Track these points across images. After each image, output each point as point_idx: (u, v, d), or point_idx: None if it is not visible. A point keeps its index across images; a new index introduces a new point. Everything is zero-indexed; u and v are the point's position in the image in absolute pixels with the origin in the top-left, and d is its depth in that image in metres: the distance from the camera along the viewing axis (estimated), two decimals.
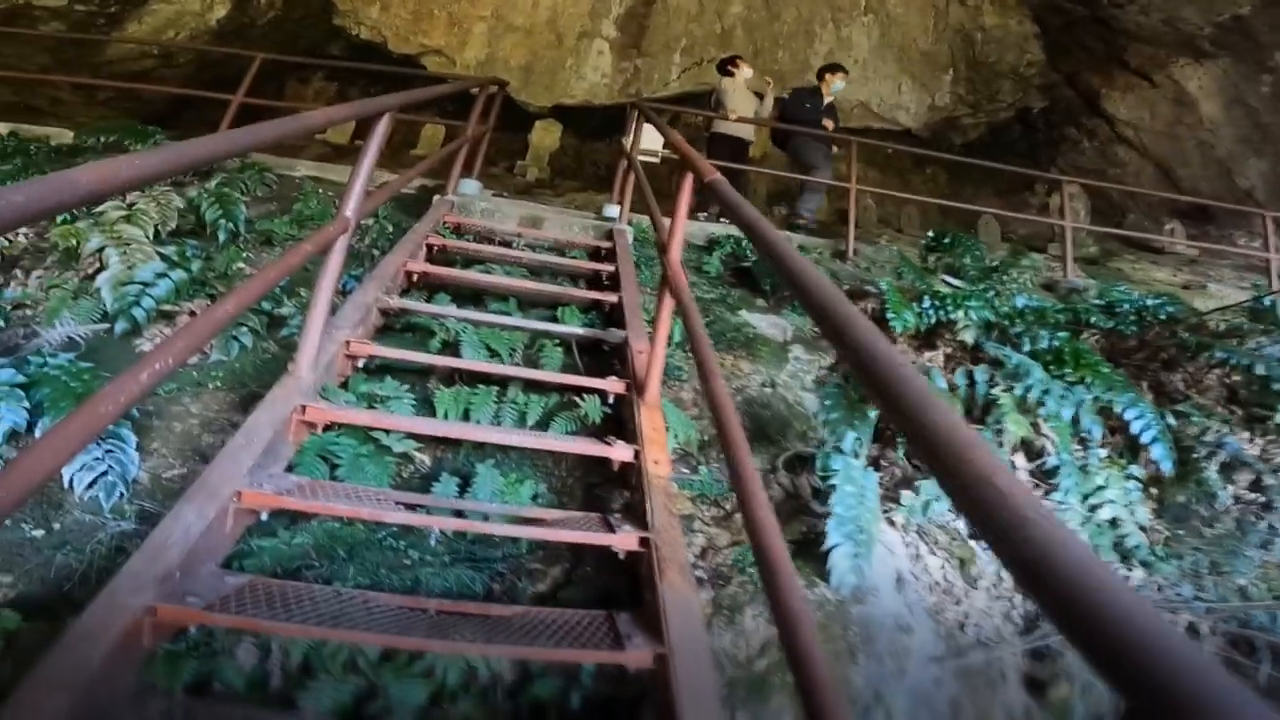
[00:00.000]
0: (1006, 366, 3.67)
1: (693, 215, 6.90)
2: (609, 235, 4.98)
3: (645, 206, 4.23)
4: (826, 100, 7.43)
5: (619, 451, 2.76)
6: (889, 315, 4.16)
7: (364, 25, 11.11)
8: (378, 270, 3.62)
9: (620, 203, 5.38)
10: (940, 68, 10.76)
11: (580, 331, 3.49)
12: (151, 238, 4.00)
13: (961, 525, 3.29)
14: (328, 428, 2.74)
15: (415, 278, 3.88)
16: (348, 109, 2.68)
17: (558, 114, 11.21)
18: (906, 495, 3.19)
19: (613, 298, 3.92)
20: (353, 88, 11.09)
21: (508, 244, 4.68)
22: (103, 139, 5.26)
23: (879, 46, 10.96)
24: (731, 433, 1.60)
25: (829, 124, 7.30)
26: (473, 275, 3.91)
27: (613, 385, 3.08)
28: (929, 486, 3.17)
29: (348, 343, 2.97)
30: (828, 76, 7.48)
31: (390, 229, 4.75)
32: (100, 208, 4.05)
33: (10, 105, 8.94)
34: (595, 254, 4.83)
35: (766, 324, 4.73)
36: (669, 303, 2.87)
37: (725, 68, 7.45)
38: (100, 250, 3.81)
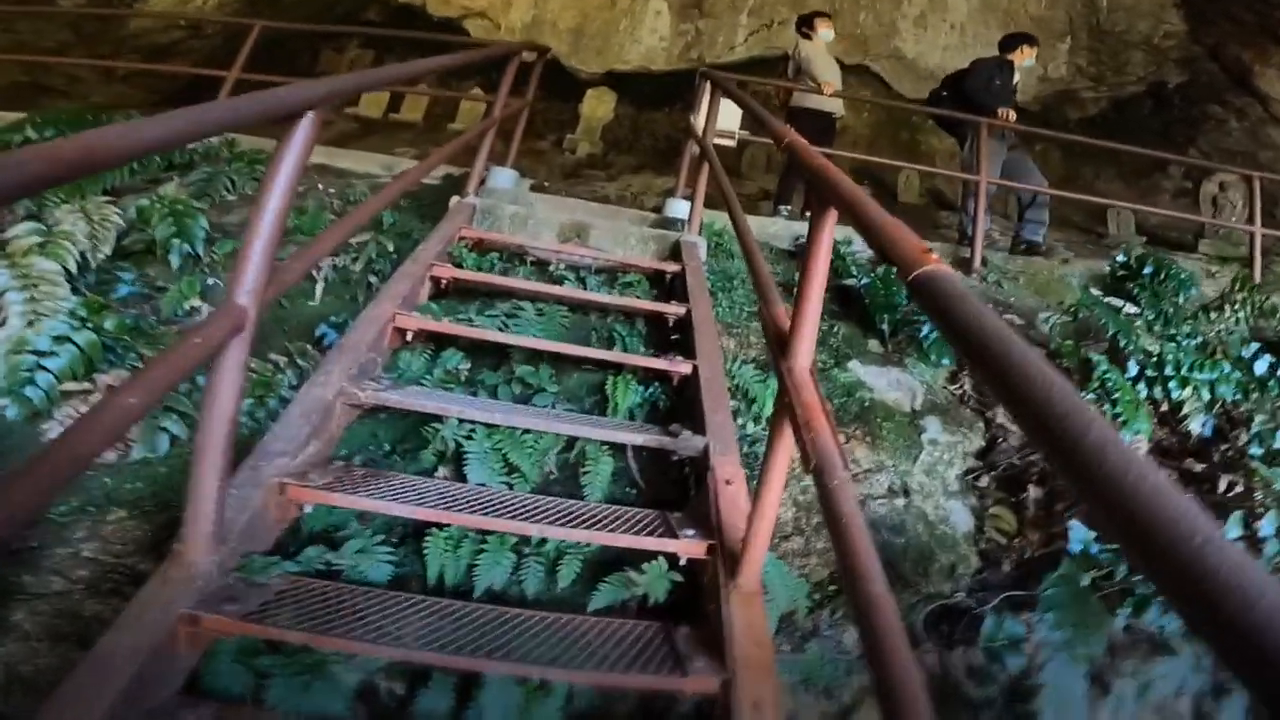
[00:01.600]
0: None
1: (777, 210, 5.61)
2: (675, 251, 3.77)
3: (727, 210, 3.03)
4: (1015, 80, 5.78)
5: (695, 683, 1.61)
6: (1117, 415, 2.84)
7: None
8: (349, 337, 2.49)
9: (691, 198, 4.11)
10: (1056, 35, 9.10)
11: (639, 439, 2.32)
12: (76, 269, 2.96)
13: None
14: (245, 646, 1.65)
15: (410, 334, 2.75)
16: (251, 103, 1.52)
17: (611, 82, 9.91)
18: None
19: (685, 367, 2.73)
20: (390, 55, 9.96)
21: (544, 264, 3.53)
22: (49, 130, 4.23)
23: (980, 9, 9.33)
24: None
25: (1007, 113, 5.48)
26: (488, 333, 2.75)
27: (687, 547, 1.91)
28: None
29: (282, 486, 1.86)
30: (1024, 48, 5.75)
31: (392, 248, 3.61)
32: (11, 232, 3.01)
33: (20, 87, 8.06)
34: (659, 280, 3.63)
35: (886, 382, 3.49)
36: (787, 440, 1.67)
37: (803, 29, 6.00)
38: (1, 294, 2.79)
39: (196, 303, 3.25)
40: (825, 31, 5.94)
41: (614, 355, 2.76)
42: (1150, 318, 4.71)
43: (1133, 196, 8.92)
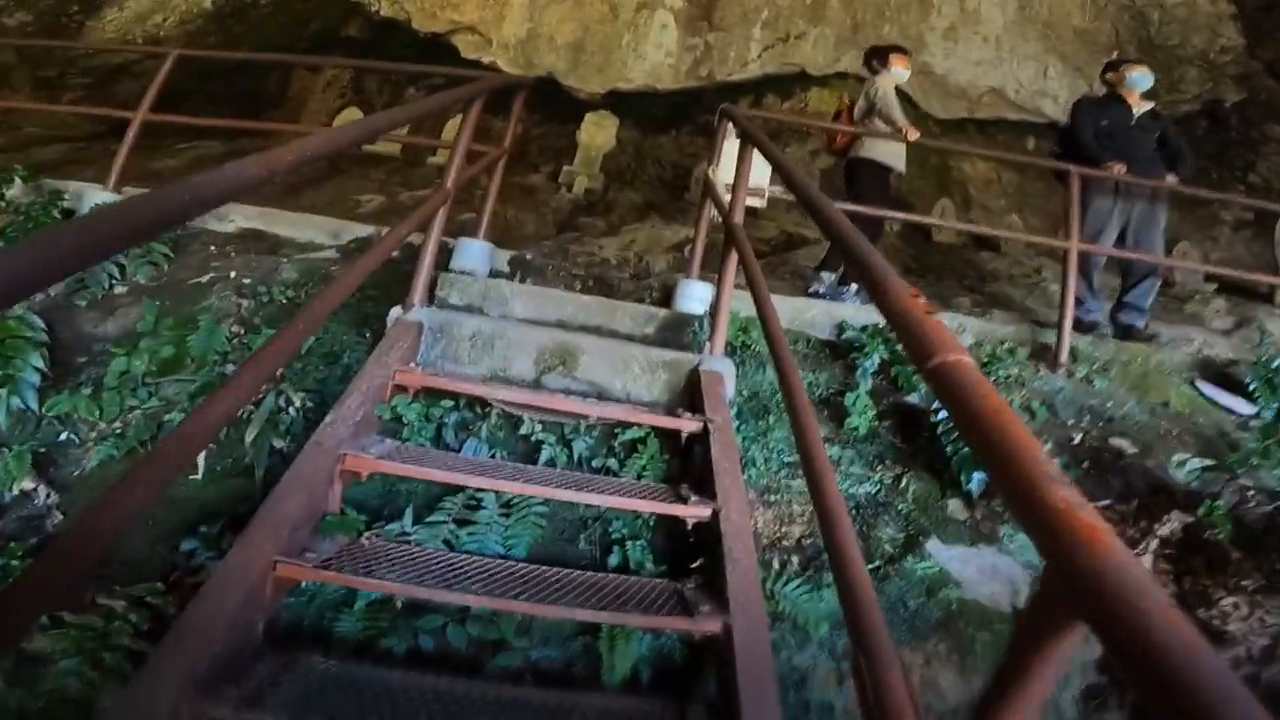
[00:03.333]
0: None
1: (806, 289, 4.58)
2: (693, 385, 2.79)
3: (755, 304, 2.07)
4: (1138, 112, 4.49)
5: None
6: None
7: (384, 0, 8.94)
8: (202, 607, 1.51)
9: (714, 307, 3.05)
10: (1101, 49, 8.07)
11: None
12: None
13: None
14: None
15: (296, 583, 1.78)
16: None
17: (613, 102, 8.90)
18: None
19: (713, 625, 1.76)
20: (369, 76, 8.96)
21: (514, 421, 2.55)
22: None
23: (1017, 21, 8.29)
24: None
25: (1117, 168, 4.22)
26: (416, 590, 1.77)
27: None
28: None
29: None
30: (1128, 69, 4.50)
31: (301, 400, 2.61)
32: None
33: None
34: (673, 443, 2.64)
35: (977, 569, 2.52)
36: None
37: (873, 62, 4.83)
38: None
39: (29, 484, 2.29)
40: (901, 70, 4.70)
41: (607, 616, 1.77)
42: (1270, 419, 3.75)
43: (1190, 228, 7.91)
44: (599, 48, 9.19)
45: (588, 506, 2.25)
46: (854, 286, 4.42)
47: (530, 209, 5.64)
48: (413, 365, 2.64)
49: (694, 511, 2.28)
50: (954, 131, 8.53)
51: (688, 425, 2.56)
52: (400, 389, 2.50)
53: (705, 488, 2.40)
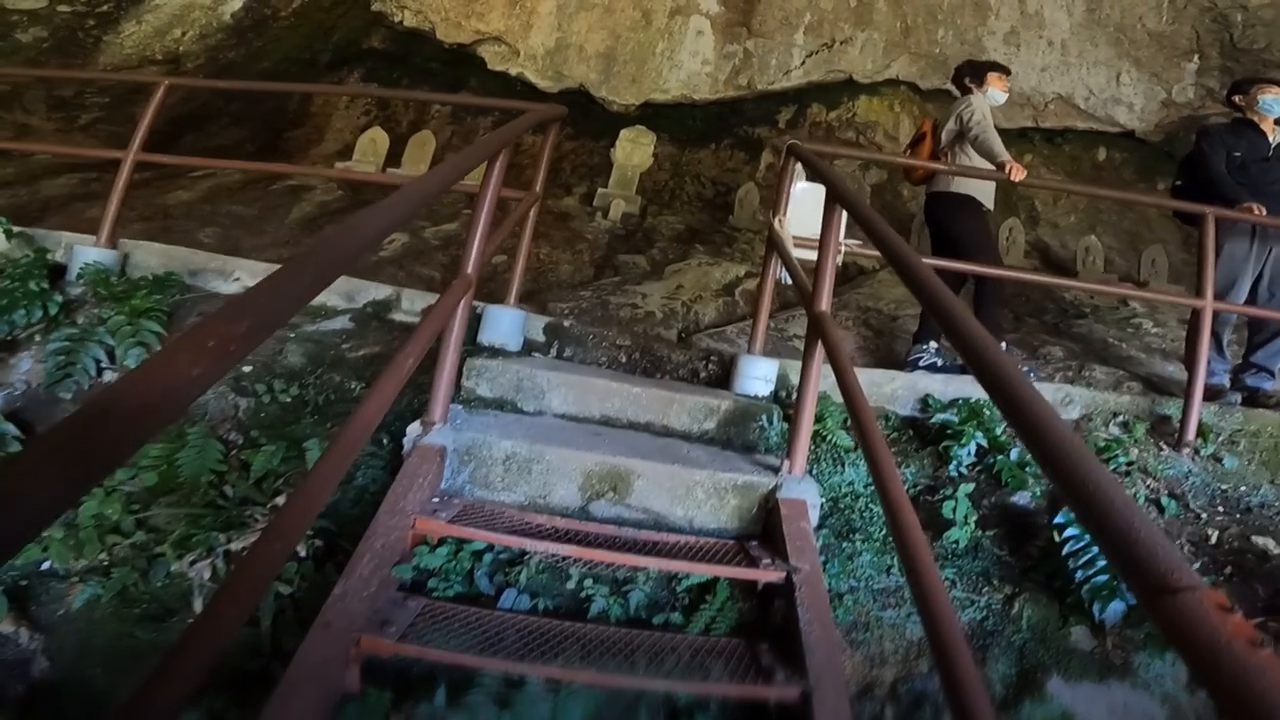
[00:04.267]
0: None
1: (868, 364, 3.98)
2: (768, 512, 2.30)
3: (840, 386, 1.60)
4: (1275, 140, 3.78)
5: None
6: None
7: (408, 10, 8.50)
8: None
9: (794, 416, 2.53)
10: (1180, 53, 7.38)
11: None
12: None
13: None
14: None
15: None
16: None
17: (648, 116, 8.39)
18: None
19: None
20: (395, 88, 8.53)
21: (558, 565, 2.07)
22: None
23: (1085, 24, 7.62)
24: None
25: (1257, 208, 3.57)
26: None
27: None
28: None
29: None
30: (1261, 90, 3.81)
31: (309, 537, 2.16)
32: None
33: None
34: (747, 584, 2.15)
35: (1105, 707, 2.13)
36: None
37: (966, 79, 4.08)
38: None
39: (9, 626, 1.88)
40: (998, 92, 4.01)
41: None
42: None
43: None
44: (631, 57, 8.69)
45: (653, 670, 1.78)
46: (933, 345, 3.86)
47: (565, 244, 5.16)
48: (436, 504, 2.17)
49: (778, 693, 1.80)
50: (1017, 141, 7.87)
51: (765, 576, 2.07)
52: (422, 538, 2.03)
53: (788, 650, 1.92)
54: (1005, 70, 4.13)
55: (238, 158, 7.26)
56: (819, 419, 2.92)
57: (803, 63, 8.49)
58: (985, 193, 3.95)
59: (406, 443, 2.31)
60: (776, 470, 2.47)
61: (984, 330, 1.36)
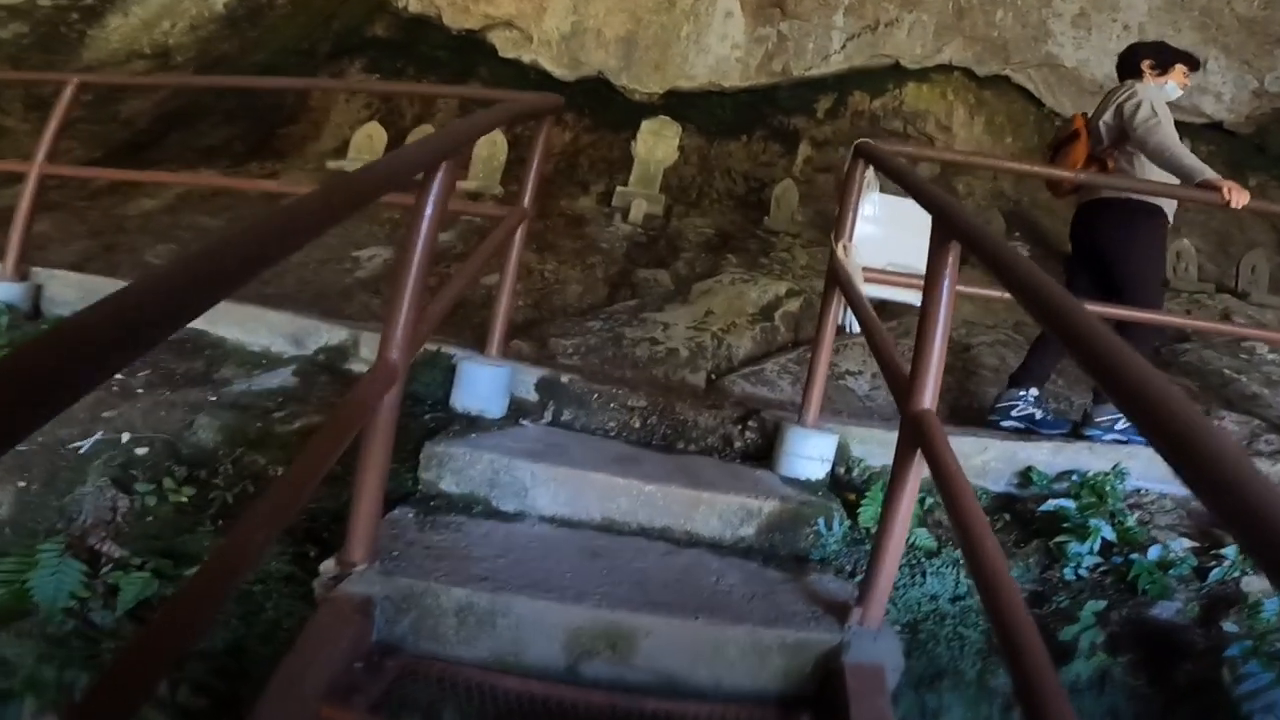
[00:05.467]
0: None
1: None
2: (827, 682, 1.57)
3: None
4: None
5: None
6: None
7: None
8: None
9: (887, 520, 1.88)
10: (1274, 40, 6.47)
11: None
12: None
13: None
14: None
15: None
16: None
17: (673, 106, 7.61)
18: None
19: None
20: (399, 79, 7.84)
21: None
22: None
23: (1166, 7, 6.69)
24: None
25: None
26: None
27: None
28: None
29: None
30: None
31: (188, 696, 1.49)
32: None
33: None
34: None
35: None
36: None
37: (1142, 63, 3.10)
38: None
39: None
40: (1176, 86, 3.09)
41: None
42: None
43: None
44: (654, 41, 7.90)
45: None
46: (1033, 393, 3.02)
47: (576, 257, 4.43)
48: (359, 673, 1.48)
49: None
50: None
51: None
52: None
53: None
54: (1195, 64, 3.20)
55: (226, 157, 6.65)
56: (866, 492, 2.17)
57: (843, 46, 7.64)
58: (1170, 201, 3.03)
59: (317, 586, 1.61)
60: (841, 615, 1.73)
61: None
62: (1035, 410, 2.96)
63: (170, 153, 6.57)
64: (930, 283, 1.54)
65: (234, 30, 7.91)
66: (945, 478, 1.39)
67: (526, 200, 2.46)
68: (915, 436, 1.49)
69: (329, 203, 1.25)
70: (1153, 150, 2.82)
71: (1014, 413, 2.96)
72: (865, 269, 2.29)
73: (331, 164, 6.00)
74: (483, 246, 2.14)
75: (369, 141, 6.24)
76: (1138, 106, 2.87)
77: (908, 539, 2.22)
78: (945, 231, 1.53)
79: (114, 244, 3.77)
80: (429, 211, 1.47)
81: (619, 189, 6.37)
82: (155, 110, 6.86)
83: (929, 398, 1.50)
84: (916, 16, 7.42)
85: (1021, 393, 2.99)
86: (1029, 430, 2.92)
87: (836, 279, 2.29)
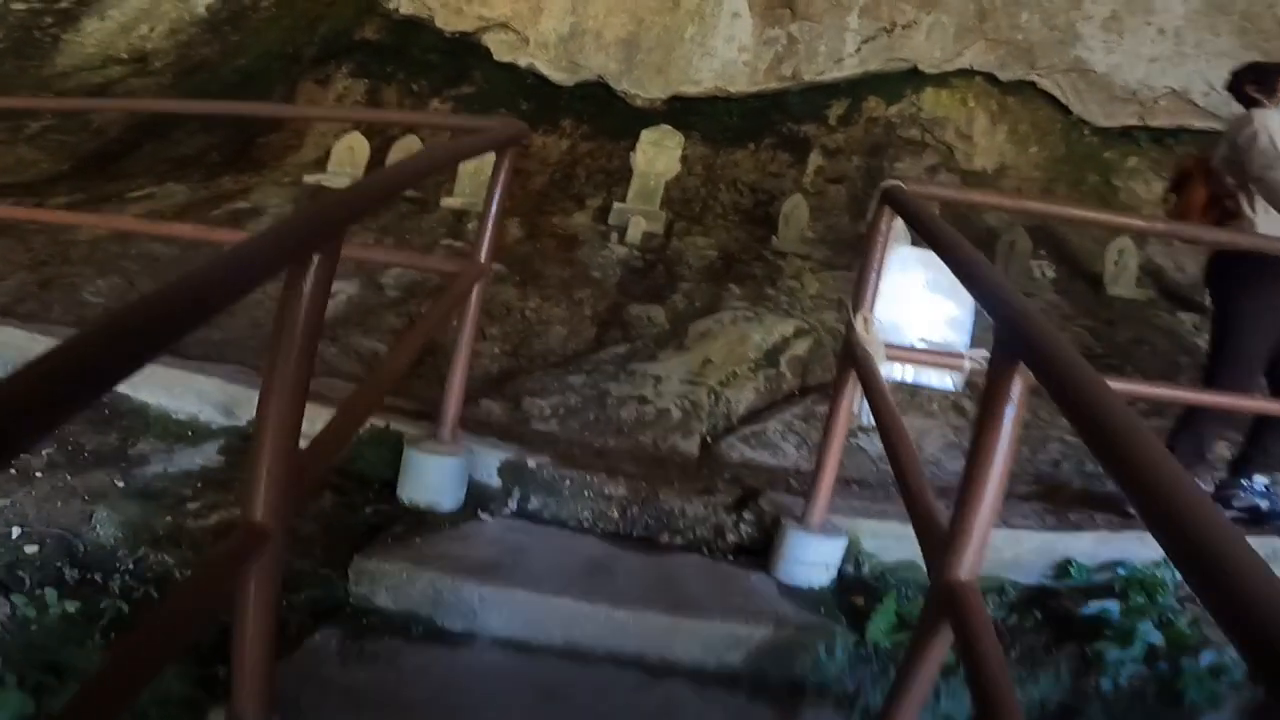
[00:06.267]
0: None
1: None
2: None
3: None
4: None
5: None
6: None
7: None
8: None
9: (901, 688, 1.47)
10: None
11: None
12: None
13: None
14: None
15: None
16: None
17: (676, 112, 7.27)
18: None
19: None
20: (389, 88, 7.53)
21: None
22: None
23: (1203, 10, 6.31)
24: None
25: None
26: None
27: None
28: None
29: None
30: None
31: None
32: None
33: None
34: None
35: None
36: None
37: (1249, 88, 2.65)
38: None
39: None
40: None
41: None
42: None
43: None
44: (657, 44, 7.55)
45: None
46: (1261, 481, 2.62)
47: (563, 290, 4.10)
48: None
49: None
50: (1116, 141, 6.60)
51: None
52: None
53: None
54: None
55: (201, 168, 6.35)
56: (901, 622, 1.86)
57: (857, 50, 7.27)
58: None
59: None
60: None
61: None
62: (1261, 502, 2.57)
63: (143, 164, 6.28)
64: (987, 409, 1.17)
65: (215, 34, 7.65)
66: (978, 666, 1.06)
67: (483, 254, 2.12)
68: (947, 609, 1.16)
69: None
70: (1268, 189, 2.42)
71: (1234, 502, 2.57)
72: (889, 346, 1.93)
73: (309, 178, 5.69)
74: (423, 320, 1.82)
75: (350, 154, 5.93)
76: (1254, 137, 2.46)
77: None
78: (1010, 346, 1.17)
79: (51, 279, 3.47)
80: (306, 300, 1.12)
81: (616, 205, 6.04)
82: (128, 119, 6.57)
83: (970, 566, 1.15)
84: (936, 18, 7.05)
85: (1245, 481, 2.61)
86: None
87: (852, 358, 1.93)
